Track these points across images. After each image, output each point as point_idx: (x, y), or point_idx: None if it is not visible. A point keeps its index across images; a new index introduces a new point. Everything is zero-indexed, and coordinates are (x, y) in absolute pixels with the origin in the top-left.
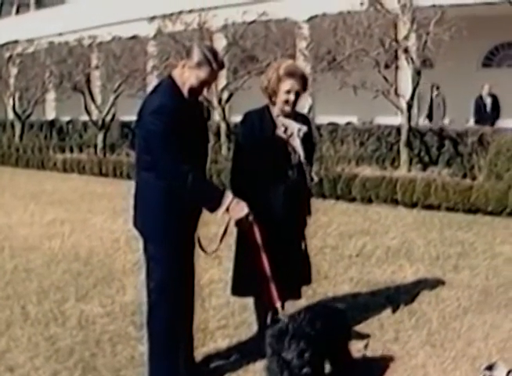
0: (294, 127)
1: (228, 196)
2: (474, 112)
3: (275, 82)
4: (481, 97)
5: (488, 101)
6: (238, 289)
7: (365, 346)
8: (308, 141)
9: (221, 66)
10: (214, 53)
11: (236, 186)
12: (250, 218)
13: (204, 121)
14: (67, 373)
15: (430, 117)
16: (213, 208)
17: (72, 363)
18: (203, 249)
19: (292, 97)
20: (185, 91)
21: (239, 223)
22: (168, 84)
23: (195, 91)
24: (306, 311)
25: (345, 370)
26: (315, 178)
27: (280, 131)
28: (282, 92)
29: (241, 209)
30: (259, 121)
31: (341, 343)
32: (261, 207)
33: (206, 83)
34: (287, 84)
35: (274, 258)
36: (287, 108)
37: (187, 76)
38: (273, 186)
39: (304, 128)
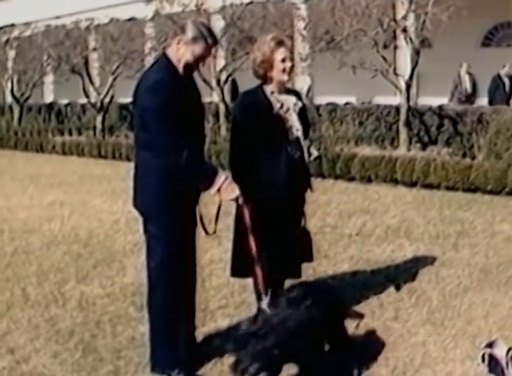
0: (290, 102)
1: (221, 176)
2: (490, 91)
3: (269, 54)
4: (499, 76)
5: (507, 81)
6: (237, 270)
7: (357, 326)
8: (303, 116)
9: (215, 41)
10: (209, 29)
11: (235, 166)
12: (240, 200)
13: (200, 98)
14: (68, 354)
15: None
16: (205, 187)
17: (72, 345)
18: (205, 229)
19: (289, 64)
20: (180, 67)
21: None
22: (163, 62)
23: (190, 67)
24: (298, 289)
25: (341, 348)
26: (315, 153)
27: (277, 108)
28: (278, 62)
29: (232, 191)
30: (254, 101)
31: (335, 322)
32: (261, 186)
33: (201, 59)
34: (281, 52)
35: (274, 236)
36: (285, 77)
37: (182, 52)
38: (273, 164)
39: (300, 103)
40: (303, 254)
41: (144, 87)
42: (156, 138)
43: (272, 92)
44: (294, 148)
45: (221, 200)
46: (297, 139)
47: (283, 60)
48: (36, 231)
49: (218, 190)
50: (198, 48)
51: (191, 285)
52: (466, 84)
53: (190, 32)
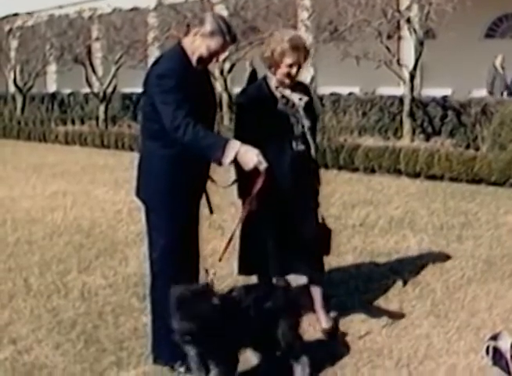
0: (295, 97)
1: (235, 142)
2: None
3: (278, 55)
4: None
5: None
6: (243, 268)
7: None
8: (309, 110)
9: (233, 39)
10: (228, 25)
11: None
12: (262, 167)
13: (212, 90)
14: (70, 345)
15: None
16: (218, 158)
17: (75, 335)
18: (212, 180)
19: (294, 71)
20: (194, 59)
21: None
22: (176, 51)
23: (203, 61)
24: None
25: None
26: (318, 148)
27: (281, 103)
28: (284, 65)
29: (250, 159)
30: (257, 95)
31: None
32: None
33: (216, 54)
34: (291, 58)
35: (286, 231)
36: (287, 81)
37: (198, 44)
38: (278, 159)
39: (305, 98)
40: (320, 247)
41: (155, 74)
42: (170, 116)
43: (277, 87)
44: (300, 143)
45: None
46: (303, 133)
47: (291, 66)
48: (39, 221)
49: (235, 160)
50: (214, 43)
51: (194, 276)
52: (506, 77)
53: (209, 25)
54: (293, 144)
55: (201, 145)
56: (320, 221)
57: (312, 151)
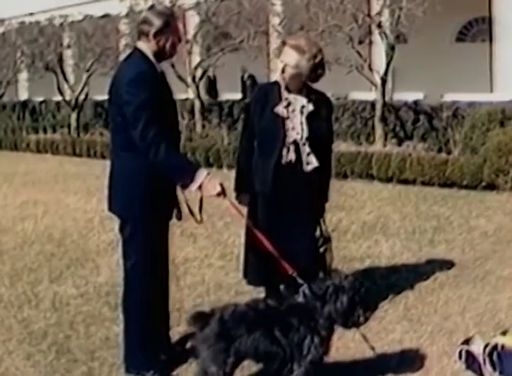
0: (298, 103)
1: (202, 172)
2: None
3: (278, 48)
4: None
5: None
6: (251, 279)
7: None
8: (315, 121)
9: (176, 16)
10: (165, 11)
11: (239, 159)
12: (223, 196)
13: (172, 95)
14: (41, 356)
15: None
16: (186, 184)
17: (46, 346)
18: (193, 214)
19: (288, 70)
20: (158, 58)
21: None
22: (138, 56)
23: (170, 53)
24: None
25: None
26: (314, 163)
27: (281, 107)
28: (279, 60)
29: (212, 187)
30: (266, 95)
31: None
32: (255, 185)
33: (177, 41)
34: (286, 55)
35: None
36: (280, 78)
37: (160, 43)
38: (265, 163)
39: (310, 107)
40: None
41: (125, 80)
42: (139, 133)
43: (286, 89)
44: (292, 152)
45: (202, 196)
46: (295, 142)
47: (282, 62)
48: (9, 231)
49: (200, 187)
50: (170, 33)
51: (165, 284)
52: None
53: (159, 21)
54: (284, 151)
55: (173, 167)
56: (318, 236)
57: (304, 164)
